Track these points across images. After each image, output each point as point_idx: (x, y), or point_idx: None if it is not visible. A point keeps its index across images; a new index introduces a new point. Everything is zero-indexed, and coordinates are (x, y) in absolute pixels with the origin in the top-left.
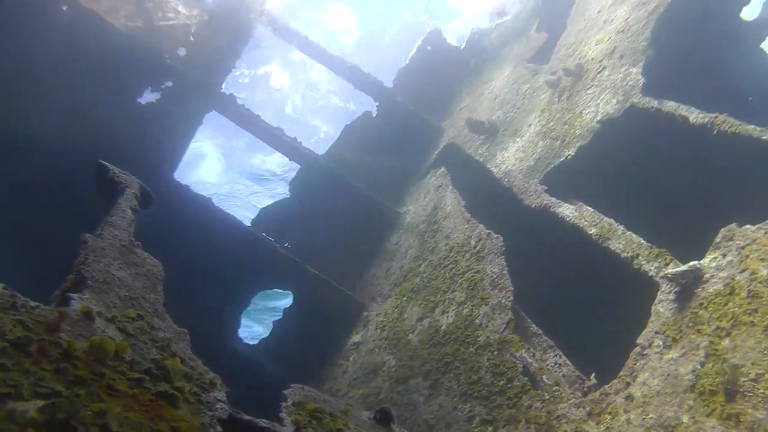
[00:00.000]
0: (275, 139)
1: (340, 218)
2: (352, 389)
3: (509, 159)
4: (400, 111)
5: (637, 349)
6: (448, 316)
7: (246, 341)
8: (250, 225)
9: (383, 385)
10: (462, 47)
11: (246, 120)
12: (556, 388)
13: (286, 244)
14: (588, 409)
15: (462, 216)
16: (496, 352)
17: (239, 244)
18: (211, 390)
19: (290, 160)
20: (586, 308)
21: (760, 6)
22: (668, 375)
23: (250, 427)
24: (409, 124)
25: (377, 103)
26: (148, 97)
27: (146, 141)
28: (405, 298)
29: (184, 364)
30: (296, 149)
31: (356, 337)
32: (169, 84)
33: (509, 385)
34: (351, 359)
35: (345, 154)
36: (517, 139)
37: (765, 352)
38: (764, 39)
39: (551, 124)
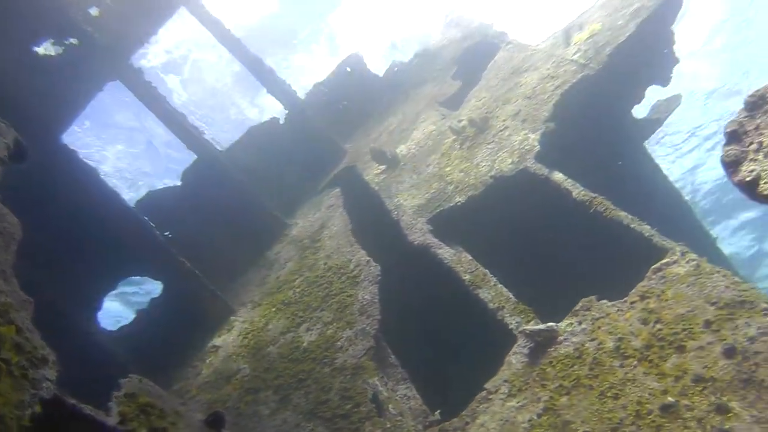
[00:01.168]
0: (176, 124)
1: (227, 218)
2: (201, 393)
3: (403, 193)
4: (307, 124)
5: (484, 393)
6: (311, 334)
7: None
8: (134, 205)
9: (233, 393)
10: (381, 75)
11: (150, 98)
12: (400, 418)
13: (166, 233)
14: None
15: (347, 239)
16: (349, 376)
17: (116, 223)
18: (41, 367)
19: (188, 148)
20: (449, 349)
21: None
22: (506, 421)
23: (74, 411)
24: (314, 139)
25: (287, 112)
26: (49, 49)
27: (37, 94)
28: (274, 309)
29: (20, 334)
30: (196, 139)
31: (217, 341)
32: (73, 41)
33: (355, 410)
34: (207, 362)
35: (245, 155)
36: (414, 176)
37: (596, 413)
38: (648, 137)
39: (448, 168)
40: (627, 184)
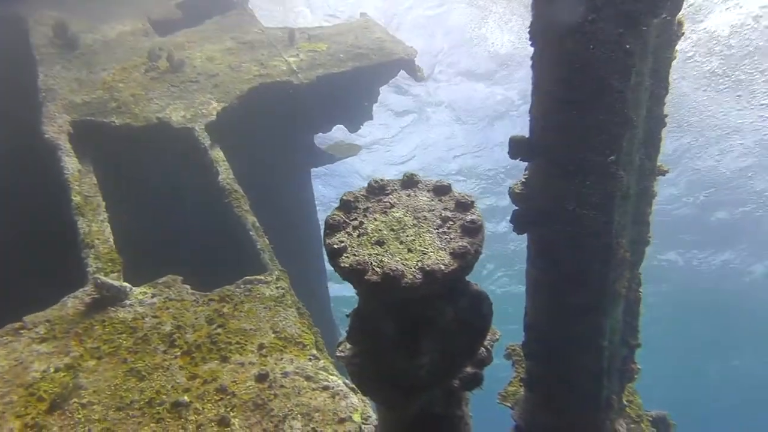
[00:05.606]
0: None
1: None
2: None
3: (61, 77)
4: None
5: (17, 325)
6: None
7: None
8: None
9: None
10: None
11: None
12: None
13: None
14: None
15: None
16: None
17: None
18: None
19: None
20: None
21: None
22: (20, 363)
23: None
24: None
25: None
26: None
27: None
28: None
29: None
30: None
31: None
32: None
33: None
34: None
35: None
36: (84, 70)
37: (113, 387)
38: (316, 167)
39: (122, 85)
40: (282, 199)
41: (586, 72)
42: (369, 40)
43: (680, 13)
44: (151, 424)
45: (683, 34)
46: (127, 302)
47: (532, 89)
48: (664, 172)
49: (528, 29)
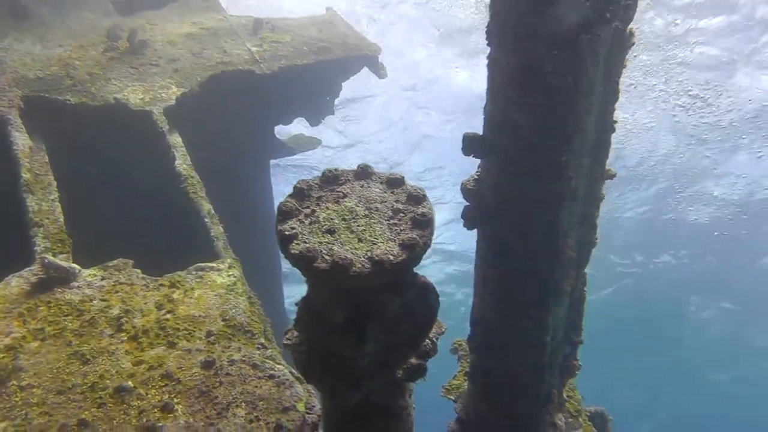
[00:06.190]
0: None
1: None
2: None
3: (14, 50)
4: None
5: None
6: None
7: None
8: None
9: None
10: None
11: None
12: None
13: None
14: None
15: None
16: None
17: None
18: None
19: None
20: None
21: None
22: None
23: None
24: None
25: None
26: None
27: None
28: None
29: None
30: None
31: None
32: None
33: None
34: None
35: None
36: (39, 44)
37: (55, 370)
38: (276, 158)
39: (78, 62)
40: (240, 189)
41: (539, 75)
42: (333, 34)
43: (631, 23)
44: (92, 409)
45: (634, 43)
46: (75, 284)
47: (487, 88)
48: (611, 176)
49: (485, 29)
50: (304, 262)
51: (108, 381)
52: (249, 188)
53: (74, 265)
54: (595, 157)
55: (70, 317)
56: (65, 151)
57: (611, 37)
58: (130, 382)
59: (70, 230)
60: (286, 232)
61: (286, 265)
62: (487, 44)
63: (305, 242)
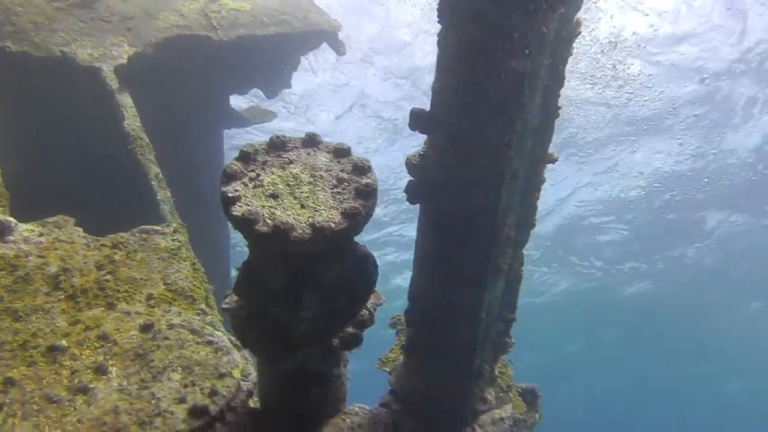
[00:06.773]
0: None
1: None
2: None
3: None
4: None
5: None
6: None
7: None
8: None
9: None
10: None
11: None
12: None
13: None
14: None
15: None
16: None
17: None
18: None
19: None
20: None
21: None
22: None
23: None
24: None
25: None
26: None
27: None
28: None
29: None
30: None
31: None
32: None
33: None
34: None
35: None
36: None
37: None
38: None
39: (21, 8)
40: (191, 156)
41: (486, 54)
42: (294, 7)
43: (578, 13)
44: (21, 367)
45: (580, 33)
46: (10, 238)
47: (436, 64)
48: (553, 160)
49: (437, 6)
50: (245, 224)
51: (41, 339)
52: (200, 155)
53: (10, 219)
54: (538, 140)
55: (3, 272)
56: (3, 100)
57: (558, 25)
58: (64, 342)
59: (7, 183)
60: (229, 194)
61: (234, 235)
62: (438, 21)
63: (248, 205)
